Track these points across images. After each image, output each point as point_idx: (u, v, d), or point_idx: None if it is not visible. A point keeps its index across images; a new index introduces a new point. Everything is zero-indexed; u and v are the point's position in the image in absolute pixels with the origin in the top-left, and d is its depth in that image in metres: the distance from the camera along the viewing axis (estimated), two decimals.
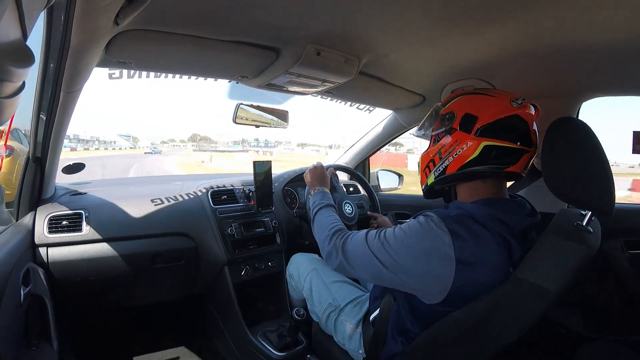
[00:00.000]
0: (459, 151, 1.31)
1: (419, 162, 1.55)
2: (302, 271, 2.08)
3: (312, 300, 1.92)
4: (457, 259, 1.16)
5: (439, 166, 1.39)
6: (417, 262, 1.21)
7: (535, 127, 1.31)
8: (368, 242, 1.36)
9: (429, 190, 1.53)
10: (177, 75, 1.82)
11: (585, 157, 1.21)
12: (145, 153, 78.54)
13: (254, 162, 2.29)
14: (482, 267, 1.19)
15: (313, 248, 2.28)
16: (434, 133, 1.46)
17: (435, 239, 1.19)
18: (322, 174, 1.98)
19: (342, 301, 1.79)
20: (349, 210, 2.26)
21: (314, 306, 1.91)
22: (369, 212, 2.49)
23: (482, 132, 1.27)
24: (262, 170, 2.31)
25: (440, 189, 1.51)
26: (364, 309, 1.72)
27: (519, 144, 1.26)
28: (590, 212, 1.25)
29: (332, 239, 1.51)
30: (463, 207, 1.30)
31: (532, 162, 1.38)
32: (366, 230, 1.44)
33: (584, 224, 1.24)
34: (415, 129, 1.60)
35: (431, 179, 1.45)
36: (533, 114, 1.31)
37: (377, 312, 1.58)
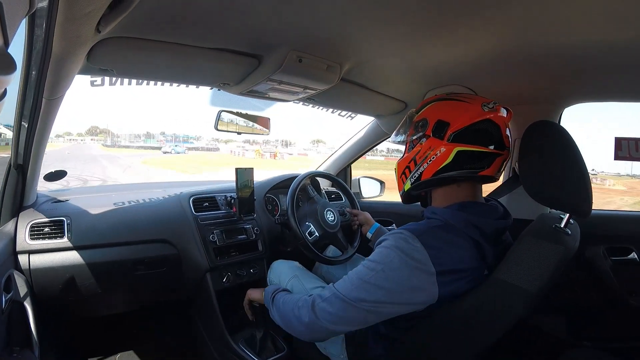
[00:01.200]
0: (433, 157, 1.34)
1: (395, 169, 1.57)
2: (283, 278, 2.08)
3: None
4: (437, 272, 1.18)
5: (415, 172, 1.42)
6: (403, 287, 1.20)
7: (508, 130, 1.34)
8: (341, 291, 1.28)
9: (406, 196, 1.55)
10: (159, 82, 1.82)
11: (562, 159, 1.24)
12: (164, 153, 65.47)
13: (236, 169, 2.29)
14: (460, 272, 1.21)
15: (295, 255, 2.29)
16: (408, 140, 1.48)
17: (413, 258, 1.19)
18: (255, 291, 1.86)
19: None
20: (331, 217, 2.27)
21: None
22: (347, 210, 2.50)
23: (454, 138, 1.30)
24: (244, 177, 2.32)
25: (417, 194, 1.53)
26: None
27: (492, 147, 1.29)
28: (568, 214, 1.28)
29: (301, 311, 1.35)
30: (437, 213, 1.33)
31: (514, 168, 1.40)
32: (331, 284, 1.36)
33: (561, 226, 1.26)
34: (392, 136, 1.62)
35: (407, 185, 1.47)
36: (505, 116, 1.34)
37: None
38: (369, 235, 2.22)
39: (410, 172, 1.44)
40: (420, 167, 1.39)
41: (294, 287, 1.97)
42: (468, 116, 1.30)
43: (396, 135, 1.57)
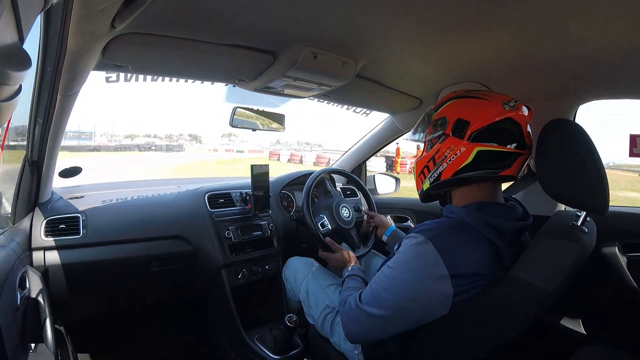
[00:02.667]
0: (453, 157, 1.31)
1: (413, 167, 1.55)
2: (299, 275, 2.08)
3: (309, 303, 1.93)
4: (450, 275, 1.17)
5: (434, 172, 1.39)
6: (417, 292, 1.21)
7: (529, 128, 1.31)
8: (362, 300, 1.34)
9: (425, 195, 1.52)
10: (174, 79, 1.82)
11: (578, 157, 1.22)
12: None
13: (252, 166, 2.30)
14: (474, 276, 1.20)
15: (310, 251, 2.29)
16: (427, 139, 1.46)
17: (425, 263, 1.20)
18: (343, 256, 1.91)
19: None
20: (346, 214, 2.27)
21: (310, 309, 1.92)
22: (365, 211, 2.49)
23: (475, 137, 1.27)
24: (259, 173, 2.32)
25: (436, 193, 1.51)
26: None
27: (512, 147, 1.26)
28: (584, 212, 1.26)
29: (340, 312, 1.46)
30: (455, 212, 1.30)
31: (529, 165, 1.38)
32: (355, 295, 1.40)
33: (578, 224, 1.25)
34: (409, 133, 1.61)
35: (426, 185, 1.45)
36: (526, 115, 1.31)
37: None
38: (384, 238, 2.21)
39: (429, 171, 1.42)
40: (439, 166, 1.36)
41: (309, 284, 1.97)
42: (489, 115, 1.27)
43: (414, 133, 1.55)
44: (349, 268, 1.74)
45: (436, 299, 1.20)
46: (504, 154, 1.26)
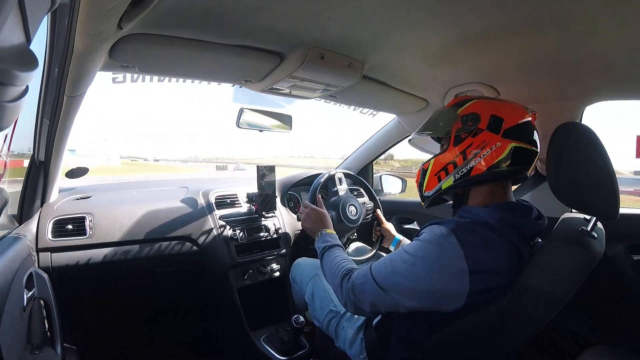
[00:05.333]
0: (488, 151, 1.29)
1: (427, 167, 1.49)
2: (305, 276, 2.08)
3: (314, 306, 1.92)
4: (470, 270, 1.15)
5: (462, 168, 1.35)
6: (433, 285, 1.19)
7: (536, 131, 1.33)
8: (374, 276, 1.31)
9: (436, 197, 1.48)
10: (181, 80, 1.82)
11: (590, 162, 1.21)
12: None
13: (258, 167, 2.31)
14: (495, 274, 1.18)
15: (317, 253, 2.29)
16: (454, 134, 1.40)
17: (446, 256, 1.17)
18: (317, 215, 1.92)
19: (343, 307, 1.78)
20: (353, 212, 2.26)
21: (315, 311, 1.91)
22: (378, 211, 2.48)
23: (508, 134, 1.27)
24: (266, 174, 2.32)
25: (453, 193, 1.48)
26: None
27: (533, 147, 1.28)
28: (595, 218, 1.25)
29: (342, 286, 1.43)
30: (475, 213, 1.28)
31: (535, 166, 1.38)
32: (369, 264, 1.39)
33: (588, 229, 1.24)
34: (431, 131, 1.53)
35: (448, 182, 1.40)
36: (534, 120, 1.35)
37: (379, 317, 1.57)
38: (391, 248, 2.21)
39: (455, 167, 1.38)
40: (470, 161, 1.33)
41: (315, 286, 1.96)
42: (518, 114, 1.30)
43: (431, 130, 1.50)
44: (332, 235, 1.76)
45: (451, 293, 1.18)
46: (530, 152, 1.28)
